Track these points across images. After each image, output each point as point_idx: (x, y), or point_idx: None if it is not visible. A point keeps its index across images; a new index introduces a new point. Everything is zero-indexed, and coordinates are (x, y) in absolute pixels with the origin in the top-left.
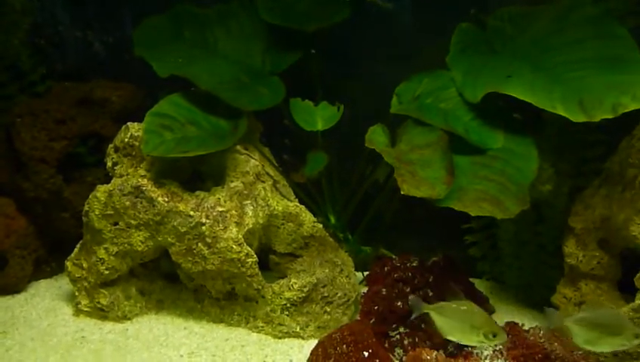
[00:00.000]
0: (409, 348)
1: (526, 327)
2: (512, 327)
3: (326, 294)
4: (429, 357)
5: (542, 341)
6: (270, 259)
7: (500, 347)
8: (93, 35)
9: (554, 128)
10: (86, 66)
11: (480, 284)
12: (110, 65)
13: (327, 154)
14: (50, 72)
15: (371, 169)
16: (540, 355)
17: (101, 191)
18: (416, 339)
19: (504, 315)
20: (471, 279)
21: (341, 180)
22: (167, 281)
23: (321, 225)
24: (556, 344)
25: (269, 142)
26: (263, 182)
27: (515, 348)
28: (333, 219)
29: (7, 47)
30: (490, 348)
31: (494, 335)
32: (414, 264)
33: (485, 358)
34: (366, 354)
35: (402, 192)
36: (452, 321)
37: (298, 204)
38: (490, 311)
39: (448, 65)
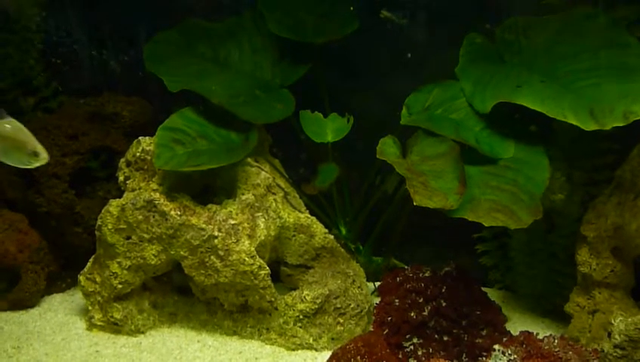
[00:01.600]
0: (423, 358)
1: (540, 336)
2: (526, 337)
3: (339, 305)
4: None
5: (557, 350)
6: (282, 271)
7: (515, 356)
8: (108, 53)
9: (565, 137)
10: (102, 82)
11: (492, 293)
12: (127, 81)
13: (339, 166)
14: (62, 88)
15: (380, 180)
16: None
17: (114, 205)
18: (430, 350)
19: (517, 324)
20: (482, 288)
21: (351, 191)
22: (180, 294)
23: (332, 237)
24: (571, 352)
25: (284, 156)
26: (274, 194)
27: (530, 358)
28: (344, 230)
29: (21, 64)
30: (505, 358)
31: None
32: (427, 274)
33: None
34: None
35: (415, 203)
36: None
37: (309, 216)
38: (503, 320)
39: (457, 75)
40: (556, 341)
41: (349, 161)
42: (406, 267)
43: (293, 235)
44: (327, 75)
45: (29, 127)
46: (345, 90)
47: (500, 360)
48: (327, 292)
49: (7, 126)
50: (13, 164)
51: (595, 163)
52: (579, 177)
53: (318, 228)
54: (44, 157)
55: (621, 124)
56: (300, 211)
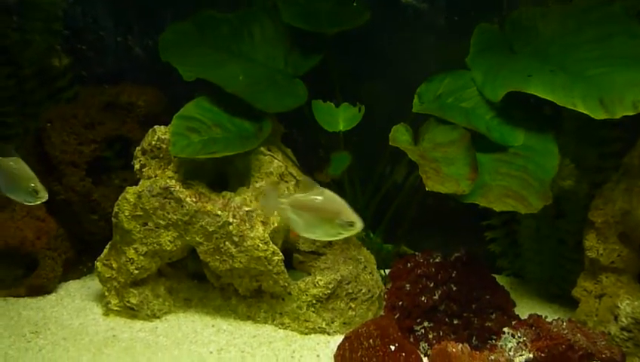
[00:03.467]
0: (434, 341)
1: (548, 319)
2: (535, 319)
3: (350, 290)
4: (454, 350)
5: (565, 332)
6: (294, 258)
7: (524, 339)
8: (133, 40)
9: (573, 125)
10: (126, 70)
11: (500, 280)
12: (151, 70)
13: (351, 154)
14: (80, 77)
15: (390, 169)
16: (563, 346)
17: (130, 192)
18: (441, 333)
19: (525, 309)
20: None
21: (362, 180)
22: (195, 281)
23: None
24: (579, 335)
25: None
26: (287, 182)
27: (539, 340)
28: None
29: (40, 53)
30: (514, 340)
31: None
32: (437, 260)
33: (510, 350)
34: (392, 347)
35: (427, 189)
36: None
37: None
38: (513, 304)
39: (468, 65)
40: (564, 323)
41: (360, 149)
42: (416, 253)
43: None
44: (339, 65)
45: (44, 115)
46: (356, 79)
47: (510, 342)
48: (340, 277)
49: (12, 164)
50: (17, 200)
51: (603, 151)
52: (587, 164)
53: None
54: (43, 195)
55: (631, 113)
56: None
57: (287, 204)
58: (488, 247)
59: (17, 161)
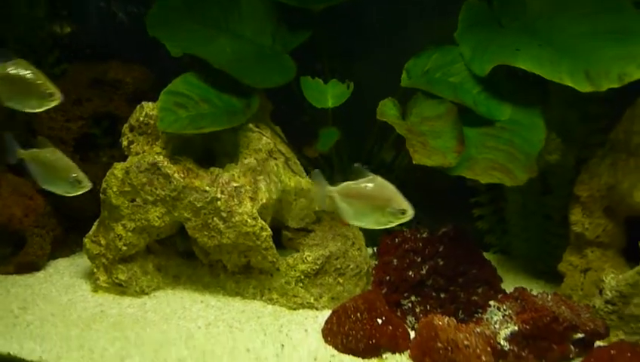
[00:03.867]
0: (421, 315)
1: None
2: (520, 292)
3: (339, 266)
4: (441, 323)
5: (550, 305)
6: (283, 235)
7: (510, 312)
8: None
9: (561, 101)
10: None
11: (487, 257)
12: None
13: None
14: (68, 54)
15: (380, 145)
16: (548, 318)
17: (118, 168)
18: (428, 307)
19: (512, 285)
20: None
21: (351, 157)
22: (184, 258)
23: None
24: (564, 307)
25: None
26: (275, 159)
27: (524, 312)
28: None
29: (26, 28)
30: (500, 313)
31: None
32: (424, 235)
33: (495, 323)
34: (379, 321)
35: (414, 162)
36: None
37: (310, 180)
38: (499, 278)
39: (457, 40)
40: (549, 296)
41: (350, 125)
42: (404, 229)
43: (295, 199)
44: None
45: None
46: (345, 55)
47: (496, 315)
48: (328, 253)
49: (49, 155)
50: (56, 192)
51: (591, 126)
52: (574, 139)
53: None
54: (85, 184)
55: (616, 86)
56: (300, 176)
57: (336, 192)
58: (476, 224)
59: (54, 152)
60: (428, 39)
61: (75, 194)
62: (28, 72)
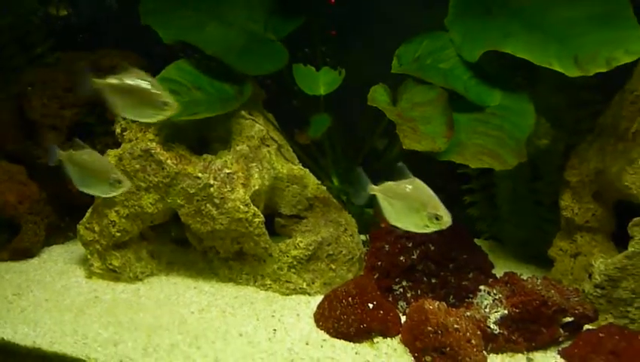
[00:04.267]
0: (412, 300)
1: (524, 277)
2: (510, 277)
3: (331, 252)
4: (431, 307)
5: (539, 289)
6: (276, 222)
7: (500, 296)
8: None
9: (550, 86)
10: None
11: (479, 243)
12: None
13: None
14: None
15: (372, 132)
16: (537, 302)
17: (111, 155)
18: (419, 292)
19: (503, 270)
20: None
21: (344, 144)
22: (178, 245)
23: (324, 187)
24: (553, 291)
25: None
26: (268, 146)
27: (514, 296)
28: (336, 182)
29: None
30: (490, 297)
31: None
32: None
33: (485, 307)
34: (371, 305)
35: (404, 147)
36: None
37: (302, 167)
38: (490, 263)
39: (447, 26)
40: (539, 281)
41: (342, 112)
42: None
43: (287, 186)
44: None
45: (25, 78)
46: (338, 42)
47: (486, 299)
48: (320, 239)
49: (86, 157)
50: (94, 193)
51: (580, 113)
52: (564, 125)
53: (311, 179)
54: (125, 184)
55: (604, 70)
56: (293, 163)
57: (379, 190)
58: (467, 211)
59: (91, 154)
60: (419, 26)
61: (114, 195)
62: (145, 82)
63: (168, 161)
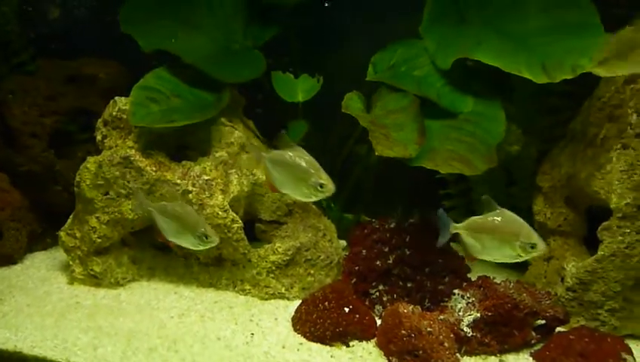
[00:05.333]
0: (388, 304)
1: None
2: (484, 281)
3: (309, 257)
4: (405, 311)
5: (511, 292)
6: (256, 228)
7: (473, 299)
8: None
9: (522, 94)
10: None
11: (456, 247)
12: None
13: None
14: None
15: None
16: (509, 305)
17: (91, 162)
18: (395, 296)
19: (479, 274)
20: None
21: (322, 150)
22: (158, 251)
23: None
24: (525, 294)
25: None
26: (247, 152)
27: (487, 299)
28: None
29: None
30: (464, 301)
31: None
32: (392, 226)
33: (459, 310)
34: (347, 309)
35: (377, 153)
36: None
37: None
38: (466, 267)
39: (421, 34)
40: (512, 284)
41: (320, 119)
42: (373, 220)
43: (266, 192)
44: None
45: (5, 86)
46: (314, 50)
47: (460, 303)
48: (299, 244)
49: (178, 209)
50: (183, 245)
51: (551, 120)
52: (535, 132)
53: None
54: (213, 240)
55: (569, 77)
56: None
57: (462, 228)
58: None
59: (183, 206)
60: (397, 33)
61: (201, 249)
62: (302, 160)
63: (147, 168)
